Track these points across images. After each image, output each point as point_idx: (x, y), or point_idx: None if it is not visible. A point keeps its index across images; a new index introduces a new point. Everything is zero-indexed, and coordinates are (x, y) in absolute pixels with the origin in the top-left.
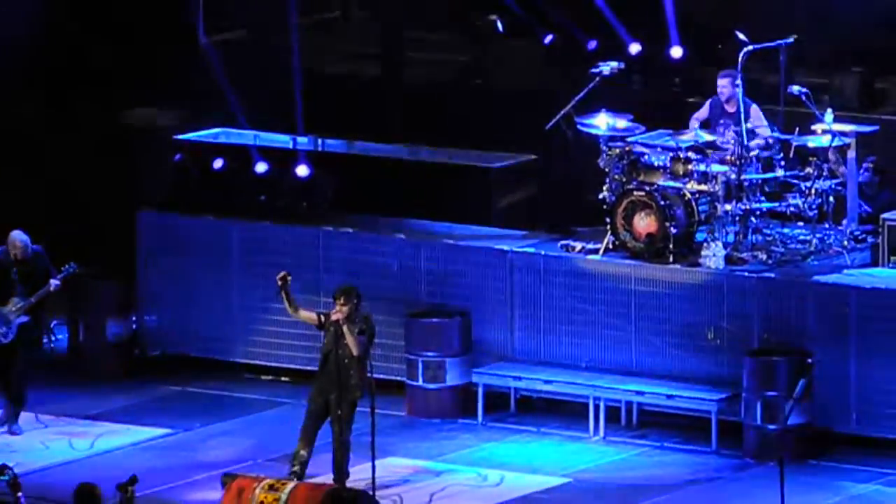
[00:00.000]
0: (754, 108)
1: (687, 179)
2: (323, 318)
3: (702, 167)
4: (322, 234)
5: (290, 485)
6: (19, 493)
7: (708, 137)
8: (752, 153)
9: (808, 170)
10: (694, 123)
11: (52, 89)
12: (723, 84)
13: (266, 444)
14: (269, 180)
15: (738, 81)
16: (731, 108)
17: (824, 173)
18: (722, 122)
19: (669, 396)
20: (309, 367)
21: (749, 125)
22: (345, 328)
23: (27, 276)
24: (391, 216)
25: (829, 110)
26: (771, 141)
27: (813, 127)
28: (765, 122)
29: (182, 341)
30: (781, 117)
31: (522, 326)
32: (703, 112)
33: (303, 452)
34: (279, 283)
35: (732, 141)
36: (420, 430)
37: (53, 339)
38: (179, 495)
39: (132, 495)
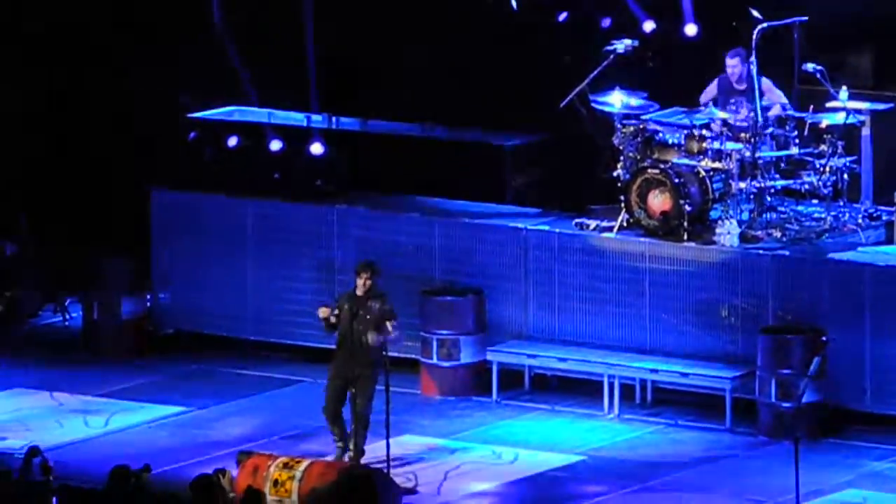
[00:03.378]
0: (766, 81)
1: (701, 157)
2: (335, 305)
3: (716, 145)
4: (336, 213)
5: (305, 462)
6: (50, 476)
7: (723, 115)
8: (769, 128)
9: (823, 147)
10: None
11: (69, 68)
12: (733, 63)
13: (281, 422)
14: (283, 158)
15: (751, 59)
16: (740, 87)
17: (839, 151)
18: (733, 100)
19: (683, 374)
20: (323, 345)
21: (765, 101)
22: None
23: None
24: (405, 194)
25: (844, 88)
26: (789, 108)
27: (828, 104)
28: (777, 91)
29: (196, 319)
30: (796, 95)
31: (537, 304)
32: (711, 91)
33: (336, 429)
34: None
35: (749, 118)
36: (434, 408)
37: (68, 317)
38: (194, 473)
39: (145, 482)
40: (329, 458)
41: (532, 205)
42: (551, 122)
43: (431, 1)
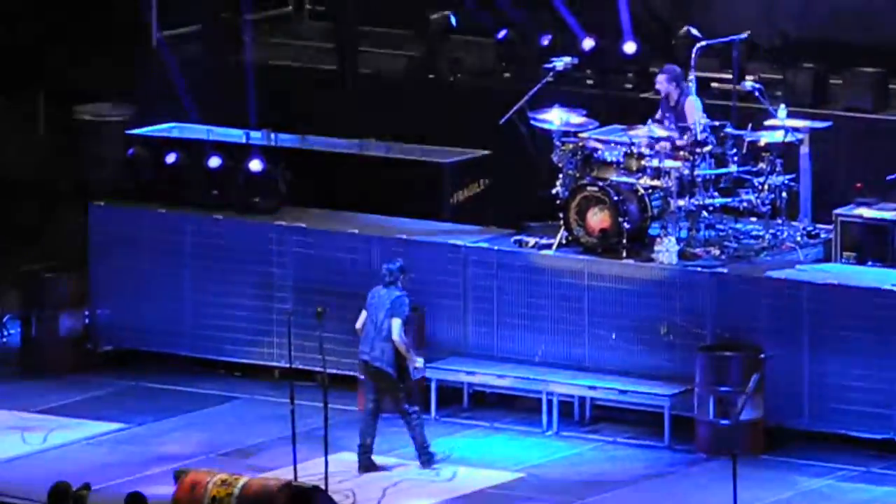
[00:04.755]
0: (689, 101)
1: (640, 175)
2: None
3: (655, 163)
4: (275, 229)
5: (243, 479)
6: None
7: (661, 133)
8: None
9: (761, 165)
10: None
11: (6, 85)
12: (658, 80)
13: (219, 439)
14: (222, 174)
15: (691, 77)
16: (671, 104)
17: (777, 168)
18: (667, 115)
19: (622, 391)
20: (260, 362)
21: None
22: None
23: None
24: (344, 211)
25: (783, 106)
26: (701, 128)
27: (767, 122)
28: (697, 114)
29: (134, 336)
30: (735, 113)
31: (476, 321)
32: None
33: (366, 441)
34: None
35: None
36: None
37: (6, 333)
38: (133, 490)
39: (86, 500)
40: (271, 474)
41: (471, 222)
42: (490, 140)
43: (372, 18)
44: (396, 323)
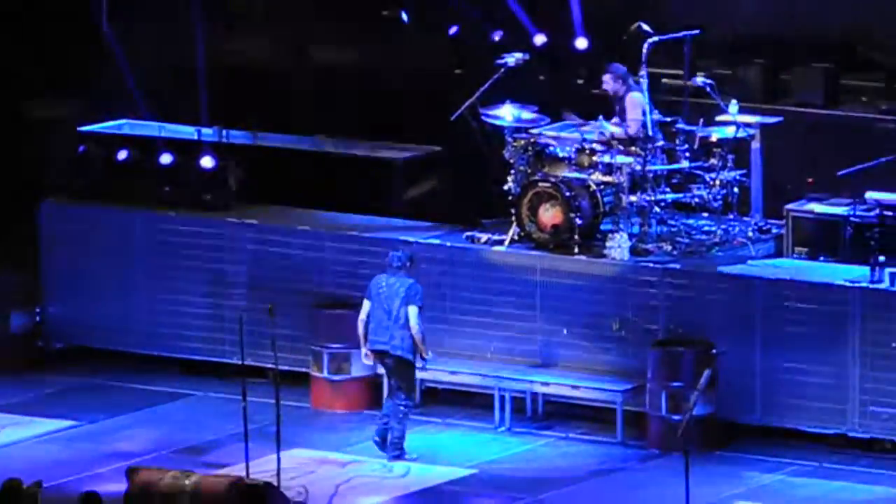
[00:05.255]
0: (630, 96)
1: (592, 171)
2: None
3: (606, 158)
4: (227, 226)
5: (195, 476)
6: None
7: (613, 129)
8: (659, 142)
9: (713, 161)
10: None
11: None
12: (605, 80)
13: (171, 436)
14: (174, 171)
15: (641, 73)
16: (617, 101)
17: (729, 164)
18: (619, 112)
19: (574, 387)
20: (213, 359)
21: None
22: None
23: None
24: (296, 207)
25: (734, 101)
26: (640, 124)
27: (718, 118)
28: (637, 111)
29: (86, 333)
30: (686, 108)
31: (428, 318)
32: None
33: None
34: None
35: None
36: (325, 422)
37: None
38: (84, 487)
39: (38, 497)
40: (224, 471)
41: (423, 218)
42: (442, 136)
43: (324, 13)
44: (414, 311)
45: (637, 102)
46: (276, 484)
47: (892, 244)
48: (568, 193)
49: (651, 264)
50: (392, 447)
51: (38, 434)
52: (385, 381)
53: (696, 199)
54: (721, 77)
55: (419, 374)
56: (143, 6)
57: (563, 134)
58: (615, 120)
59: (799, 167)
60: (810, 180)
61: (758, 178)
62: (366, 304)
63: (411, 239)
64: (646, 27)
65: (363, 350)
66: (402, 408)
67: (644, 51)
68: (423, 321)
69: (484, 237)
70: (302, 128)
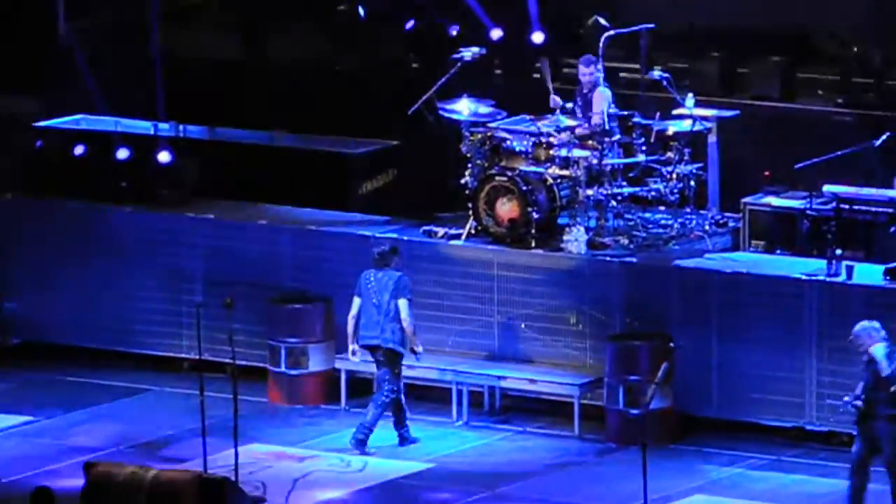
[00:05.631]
0: (599, 91)
1: (549, 164)
2: None
3: (563, 152)
4: (184, 221)
5: (153, 471)
6: None
7: (569, 122)
8: (616, 135)
9: (670, 154)
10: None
11: None
12: (588, 71)
13: (129, 431)
14: (131, 166)
15: (598, 66)
16: (590, 95)
17: (685, 158)
18: (578, 104)
19: (532, 381)
20: (170, 354)
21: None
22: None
23: None
24: (253, 202)
25: (690, 95)
26: (597, 128)
27: (675, 111)
28: (603, 108)
29: (43, 328)
30: (642, 102)
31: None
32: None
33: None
34: None
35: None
36: (283, 417)
37: None
38: (43, 482)
39: None
40: (182, 466)
41: (380, 213)
42: (399, 131)
43: (281, 8)
44: (404, 304)
45: (605, 97)
46: (233, 479)
47: (848, 237)
48: (525, 187)
49: (608, 258)
50: (359, 430)
51: None
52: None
53: (653, 193)
54: (677, 71)
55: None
56: (99, 2)
57: (519, 127)
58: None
59: (756, 161)
60: (767, 173)
61: (714, 172)
62: (356, 301)
63: (368, 233)
64: (602, 21)
65: (351, 347)
66: (383, 397)
67: (600, 44)
68: (413, 314)
69: (441, 231)
70: (259, 122)
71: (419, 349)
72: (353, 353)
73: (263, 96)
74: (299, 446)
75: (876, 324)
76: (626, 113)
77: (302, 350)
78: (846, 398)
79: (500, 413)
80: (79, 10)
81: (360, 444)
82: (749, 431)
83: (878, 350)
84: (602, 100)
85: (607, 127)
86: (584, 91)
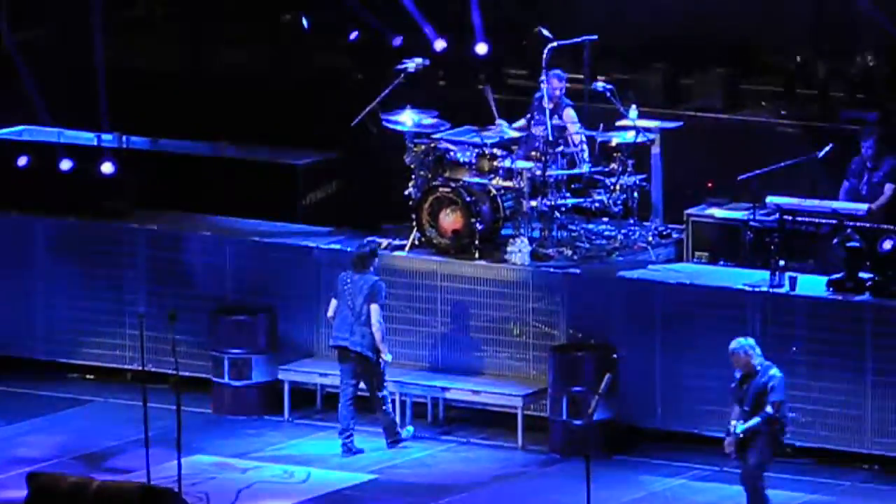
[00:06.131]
0: (567, 111)
1: (492, 176)
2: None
3: (507, 163)
4: (127, 232)
5: (97, 483)
6: None
7: (513, 134)
8: (559, 147)
9: (613, 166)
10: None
11: None
12: (560, 86)
13: (72, 443)
14: (74, 177)
15: (541, 78)
16: (549, 106)
17: (629, 169)
18: (538, 117)
19: (475, 392)
20: (113, 365)
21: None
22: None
23: None
24: (196, 213)
25: (634, 106)
26: (577, 144)
27: (618, 123)
28: (577, 127)
29: None
30: (586, 113)
31: (328, 323)
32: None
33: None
34: None
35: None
36: (226, 427)
37: None
38: None
39: None
40: (120, 479)
41: (324, 224)
42: (342, 141)
43: (225, 18)
44: (375, 309)
45: (574, 118)
46: (177, 490)
47: (791, 248)
48: (468, 198)
49: (552, 269)
50: (386, 434)
51: None
52: (341, 386)
53: (597, 204)
54: (621, 82)
55: (319, 380)
56: (42, 11)
57: (463, 139)
58: (521, 123)
59: (699, 172)
60: (710, 184)
61: (658, 183)
62: (333, 302)
63: (312, 244)
64: (545, 32)
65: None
66: (382, 400)
67: (544, 56)
68: (384, 320)
69: (384, 242)
70: (202, 133)
71: (387, 357)
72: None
73: (207, 107)
74: (243, 457)
75: (752, 340)
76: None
77: (245, 361)
78: (729, 438)
79: (444, 424)
80: (21, 20)
81: (397, 443)
82: (692, 442)
83: (778, 373)
84: (573, 121)
85: (550, 137)
86: (548, 104)
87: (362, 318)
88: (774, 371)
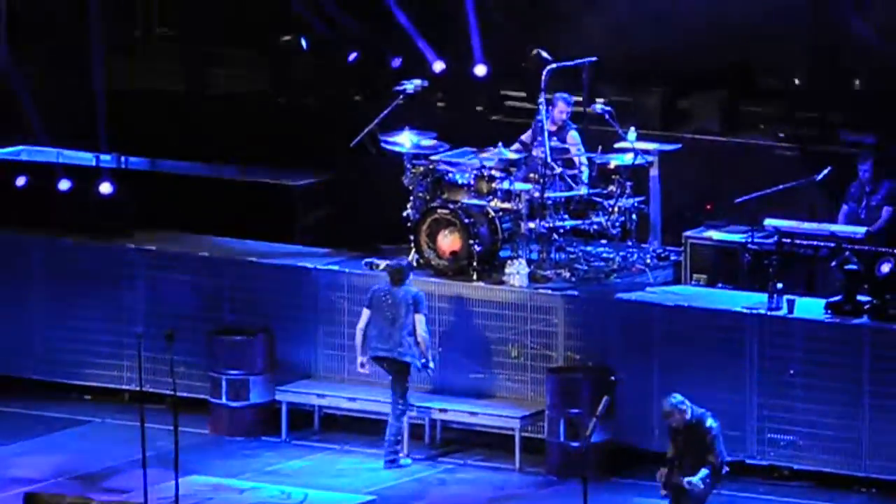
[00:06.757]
0: (571, 134)
1: (491, 197)
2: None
3: (505, 185)
4: (125, 252)
5: (94, 503)
6: None
7: (511, 156)
8: (558, 169)
9: (611, 188)
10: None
11: None
12: (567, 109)
13: (70, 463)
14: (72, 198)
15: (540, 100)
16: (552, 128)
17: (627, 191)
18: (539, 139)
19: (472, 413)
20: (111, 385)
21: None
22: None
23: None
24: (195, 234)
25: (633, 128)
26: (577, 167)
27: (616, 145)
28: (581, 149)
29: None
30: (585, 135)
31: (326, 344)
32: (528, 133)
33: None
34: None
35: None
36: (224, 448)
37: None
38: None
39: None
40: (117, 500)
41: (322, 245)
42: (341, 162)
43: (224, 39)
44: (421, 319)
45: (577, 140)
46: None
47: (789, 271)
48: (467, 220)
49: (550, 291)
50: (388, 445)
51: None
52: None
53: (595, 226)
54: (619, 104)
55: (316, 401)
56: (42, 32)
57: (462, 160)
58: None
59: (697, 194)
60: (708, 206)
61: (656, 205)
62: (365, 313)
63: (310, 265)
64: (544, 54)
65: (360, 359)
66: (399, 407)
67: (543, 77)
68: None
69: (383, 264)
70: (200, 154)
71: (431, 364)
72: (362, 364)
73: (205, 128)
74: (240, 478)
75: (679, 396)
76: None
77: (243, 382)
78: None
79: (441, 445)
80: (20, 40)
81: (392, 465)
82: None
83: (715, 422)
84: (577, 143)
85: (548, 160)
86: (551, 127)
87: (407, 329)
88: (711, 421)
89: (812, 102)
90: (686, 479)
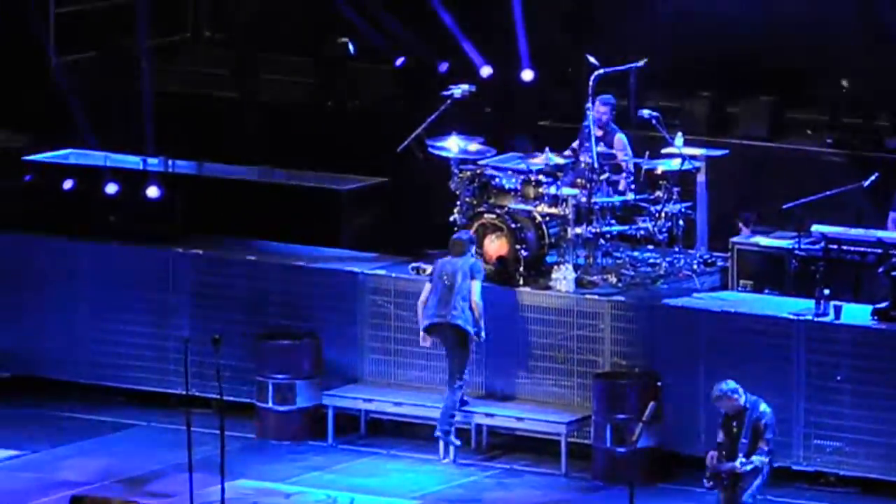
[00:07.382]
0: (618, 137)
1: (537, 202)
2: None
3: (552, 190)
4: (171, 256)
5: None
6: None
7: (559, 161)
8: (603, 176)
9: (658, 193)
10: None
11: None
12: (603, 111)
13: (116, 466)
14: (120, 201)
15: (588, 105)
16: (597, 133)
17: (674, 197)
18: (587, 145)
19: (519, 419)
20: (157, 389)
21: (612, 151)
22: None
23: None
24: (241, 238)
25: (680, 134)
26: (626, 171)
27: (664, 150)
28: (628, 152)
29: (31, 363)
30: (632, 141)
31: (373, 348)
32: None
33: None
34: None
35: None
36: (270, 452)
37: None
38: None
39: None
40: (161, 503)
41: (368, 249)
42: (388, 167)
43: (271, 44)
44: (477, 285)
45: (625, 143)
46: None
47: (836, 277)
48: (513, 225)
49: (596, 296)
50: (443, 416)
51: None
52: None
53: (642, 232)
54: (667, 109)
55: (363, 406)
56: (89, 36)
57: (508, 165)
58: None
59: (744, 200)
60: (756, 214)
61: (703, 211)
62: (427, 286)
63: (357, 269)
64: (592, 59)
65: (422, 333)
66: (459, 382)
67: (590, 83)
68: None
69: (429, 269)
70: (247, 158)
71: (482, 334)
72: (424, 338)
73: (253, 132)
74: (286, 482)
75: (732, 383)
76: (615, 151)
77: (289, 386)
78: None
79: (488, 451)
80: (68, 44)
81: (447, 435)
82: None
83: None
84: (624, 146)
85: (596, 165)
86: (597, 131)
87: (462, 293)
88: (764, 406)
89: (860, 109)
90: (738, 461)
